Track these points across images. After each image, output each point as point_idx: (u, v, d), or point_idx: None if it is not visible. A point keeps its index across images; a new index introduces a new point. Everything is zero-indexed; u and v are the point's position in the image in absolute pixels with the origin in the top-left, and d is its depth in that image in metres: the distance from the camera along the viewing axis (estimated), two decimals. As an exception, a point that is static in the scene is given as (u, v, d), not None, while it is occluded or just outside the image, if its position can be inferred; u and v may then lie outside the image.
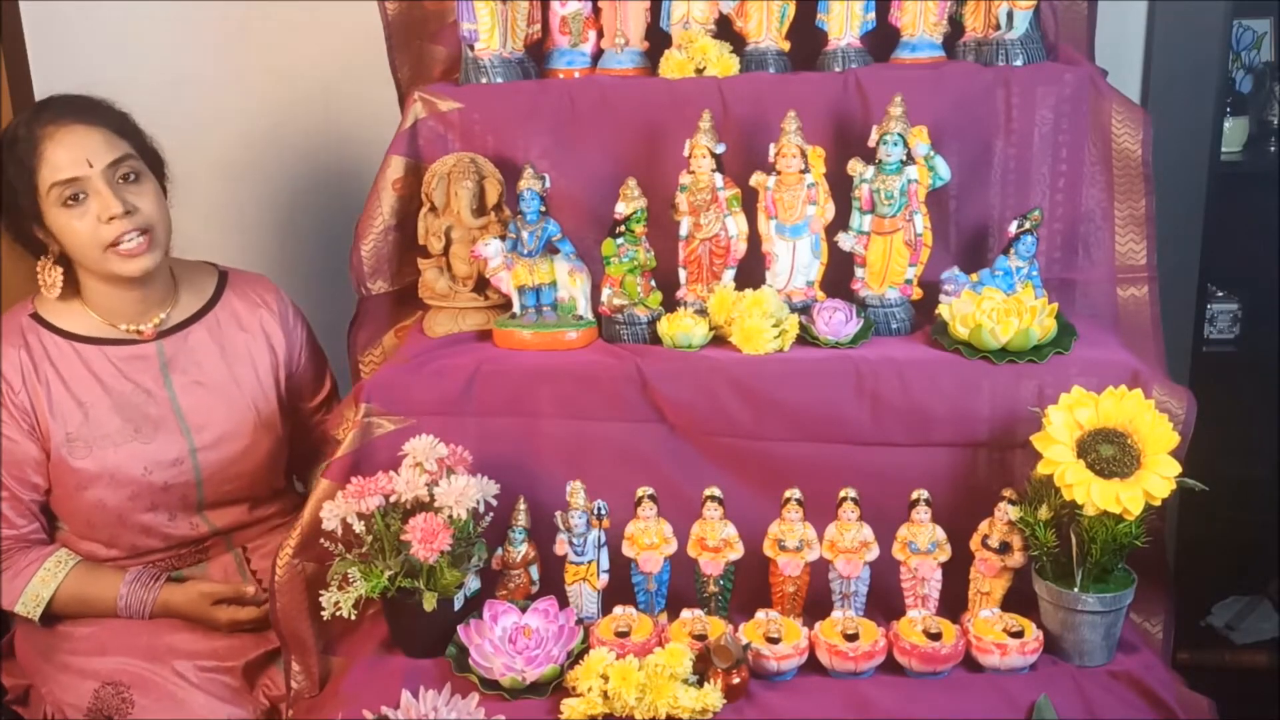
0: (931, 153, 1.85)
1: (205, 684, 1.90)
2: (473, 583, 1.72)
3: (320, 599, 1.65)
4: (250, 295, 2.08)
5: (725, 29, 2.00)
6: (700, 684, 1.55)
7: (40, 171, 1.83)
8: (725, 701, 1.55)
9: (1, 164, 1.87)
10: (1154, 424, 1.60)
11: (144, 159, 1.92)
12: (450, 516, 1.63)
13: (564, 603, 1.72)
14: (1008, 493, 1.69)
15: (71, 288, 1.94)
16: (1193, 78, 2.36)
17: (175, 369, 1.97)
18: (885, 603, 1.73)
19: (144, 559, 2.00)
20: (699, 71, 1.96)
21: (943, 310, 1.81)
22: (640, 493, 1.72)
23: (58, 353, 1.92)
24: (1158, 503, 1.57)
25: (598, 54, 2.05)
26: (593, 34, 2.04)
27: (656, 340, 1.84)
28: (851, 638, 1.62)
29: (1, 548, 1.92)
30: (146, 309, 1.97)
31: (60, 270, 1.91)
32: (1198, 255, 2.40)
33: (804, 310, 1.83)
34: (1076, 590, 1.61)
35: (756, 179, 1.84)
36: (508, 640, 1.63)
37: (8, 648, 2.04)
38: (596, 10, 2.03)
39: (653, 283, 1.88)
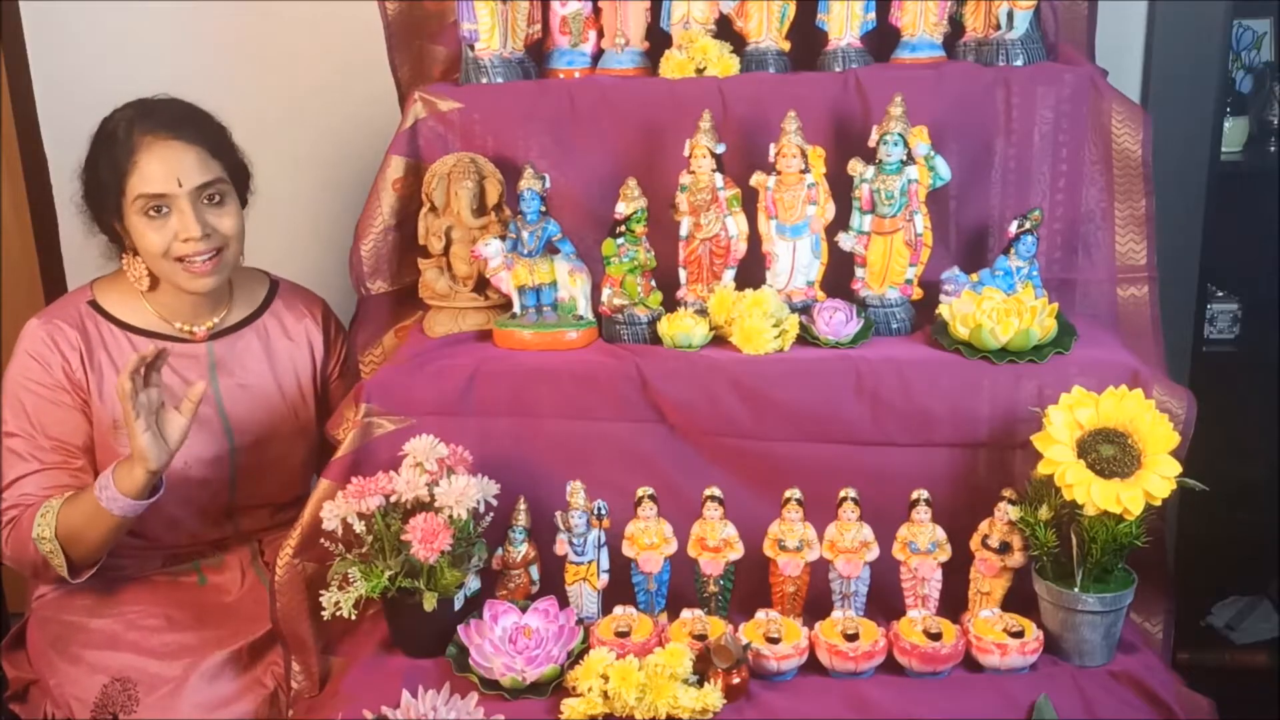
0: (931, 153, 1.85)
1: (213, 685, 1.89)
2: (473, 583, 1.72)
3: (320, 599, 1.65)
4: (298, 306, 2.13)
5: (725, 29, 2.00)
6: (700, 684, 1.55)
7: (130, 177, 1.88)
8: (725, 701, 1.55)
9: (95, 156, 1.92)
10: (1154, 424, 1.60)
11: (232, 177, 1.97)
12: (450, 516, 1.63)
13: (564, 603, 1.72)
14: (1008, 493, 1.69)
15: (153, 279, 1.98)
16: (1193, 78, 2.37)
17: (223, 371, 2.02)
18: (885, 603, 1.73)
19: (168, 550, 2.04)
20: (699, 71, 1.96)
21: (943, 310, 1.81)
22: (640, 493, 1.72)
23: (113, 341, 1.97)
24: (1158, 503, 1.57)
25: (598, 54, 2.05)
26: (593, 34, 2.04)
27: (656, 340, 1.84)
28: (851, 638, 1.62)
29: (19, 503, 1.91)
30: (202, 312, 2.02)
31: (145, 264, 1.95)
32: (1198, 255, 2.40)
33: (804, 310, 1.83)
34: (1076, 590, 1.61)
35: (756, 179, 1.84)
36: (508, 640, 1.63)
37: (13, 641, 2.04)
38: (597, 10, 2.03)
39: (653, 283, 1.88)
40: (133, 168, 1.87)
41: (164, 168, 1.87)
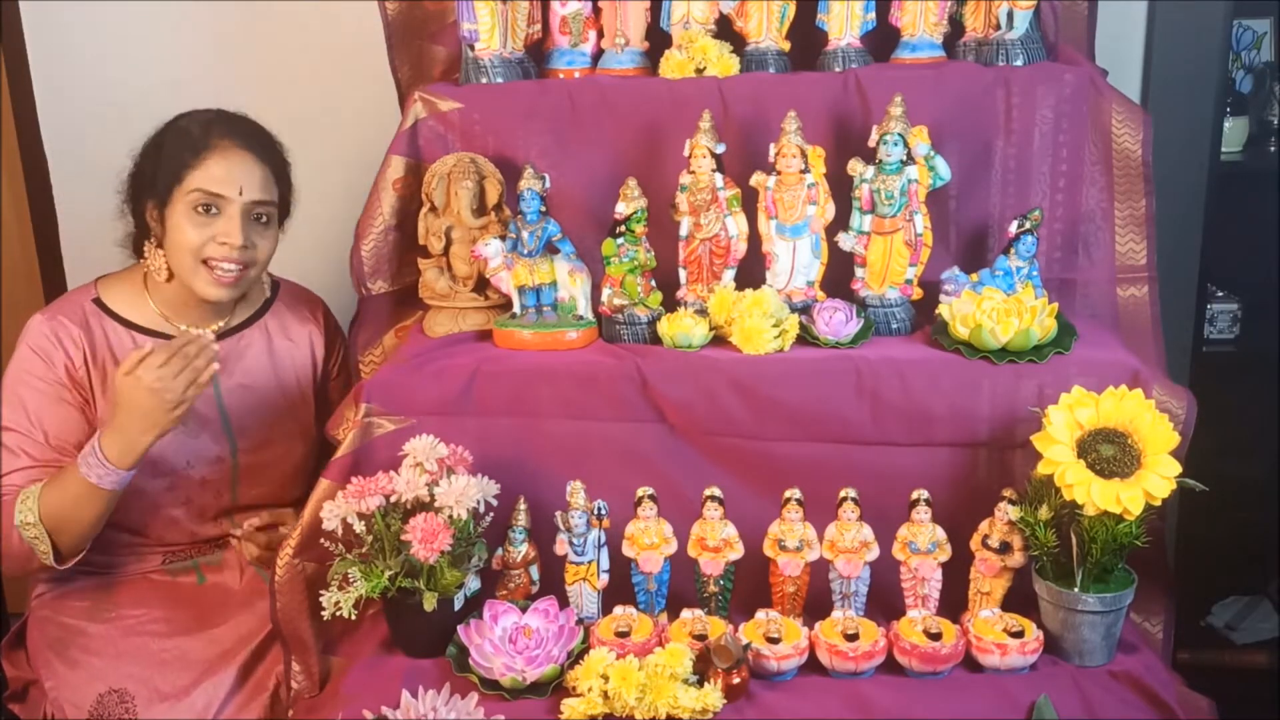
0: (931, 153, 1.85)
1: (215, 695, 1.88)
2: (473, 583, 1.72)
3: (320, 599, 1.65)
4: (299, 307, 2.14)
5: (725, 29, 2.00)
6: (700, 684, 1.55)
7: (194, 171, 1.88)
8: (725, 701, 1.55)
9: (161, 142, 1.93)
10: (1154, 424, 1.60)
11: (280, 207, 1.99)
12: (450, 516, 1.64)
13: (564, 603, 1.72)
14: (1008, 493, 1.69)
15: (170, 274, 1.97)
16: (1193, 78, 2.36)
17: (225, 371, 2.01)
18: (885, 603, 1.73)
19: (166, 549, 2.04)
20: (699, 71, 1.96)
21: (943, 310, 1.81)
22: (640, 493, 1.72)
23: (116, 339, 1.97)
24: (1158, 503, 1.57)
25: (598, 54, 2.05)
26: (593, 34, 2.04)
27: (656, 340, 1.84)
28: (851, 638, 1.62)
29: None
30: (207, 316, 2.03)
31: (167, 258, 1.95)
32: (1198, 255, 2.40)
33: (804, 310, 1.83)
34: (1076, 590, 1.61)
35: (756, 179, 1.84)
36: (508, 640, 1.63)
37: (13, 641, 2.04)
38: (596, 10, 2.03)
39: (653, 283, 1.88)
40: (200, 163, 1.88)
41: (231, 172, 1.89)
